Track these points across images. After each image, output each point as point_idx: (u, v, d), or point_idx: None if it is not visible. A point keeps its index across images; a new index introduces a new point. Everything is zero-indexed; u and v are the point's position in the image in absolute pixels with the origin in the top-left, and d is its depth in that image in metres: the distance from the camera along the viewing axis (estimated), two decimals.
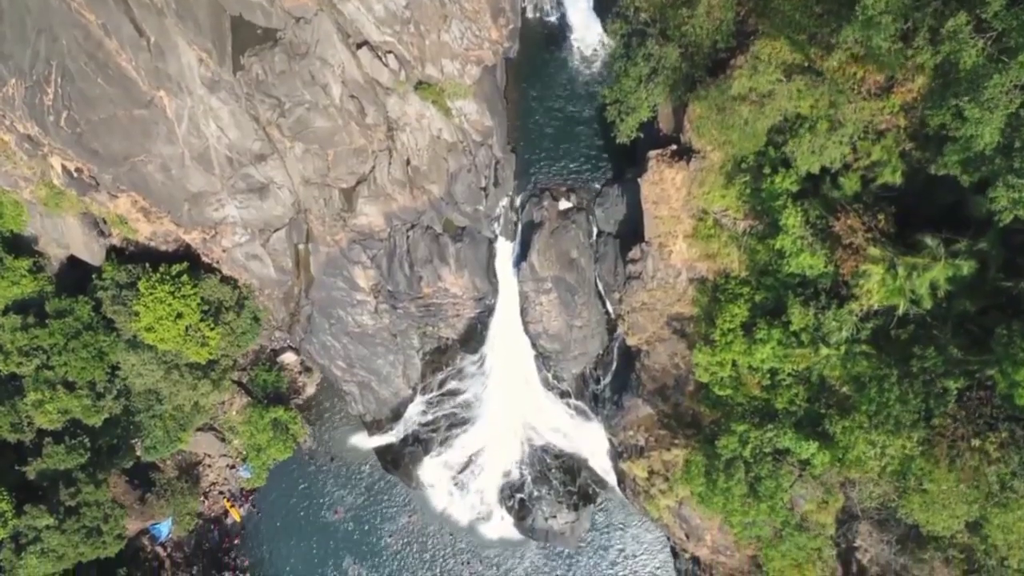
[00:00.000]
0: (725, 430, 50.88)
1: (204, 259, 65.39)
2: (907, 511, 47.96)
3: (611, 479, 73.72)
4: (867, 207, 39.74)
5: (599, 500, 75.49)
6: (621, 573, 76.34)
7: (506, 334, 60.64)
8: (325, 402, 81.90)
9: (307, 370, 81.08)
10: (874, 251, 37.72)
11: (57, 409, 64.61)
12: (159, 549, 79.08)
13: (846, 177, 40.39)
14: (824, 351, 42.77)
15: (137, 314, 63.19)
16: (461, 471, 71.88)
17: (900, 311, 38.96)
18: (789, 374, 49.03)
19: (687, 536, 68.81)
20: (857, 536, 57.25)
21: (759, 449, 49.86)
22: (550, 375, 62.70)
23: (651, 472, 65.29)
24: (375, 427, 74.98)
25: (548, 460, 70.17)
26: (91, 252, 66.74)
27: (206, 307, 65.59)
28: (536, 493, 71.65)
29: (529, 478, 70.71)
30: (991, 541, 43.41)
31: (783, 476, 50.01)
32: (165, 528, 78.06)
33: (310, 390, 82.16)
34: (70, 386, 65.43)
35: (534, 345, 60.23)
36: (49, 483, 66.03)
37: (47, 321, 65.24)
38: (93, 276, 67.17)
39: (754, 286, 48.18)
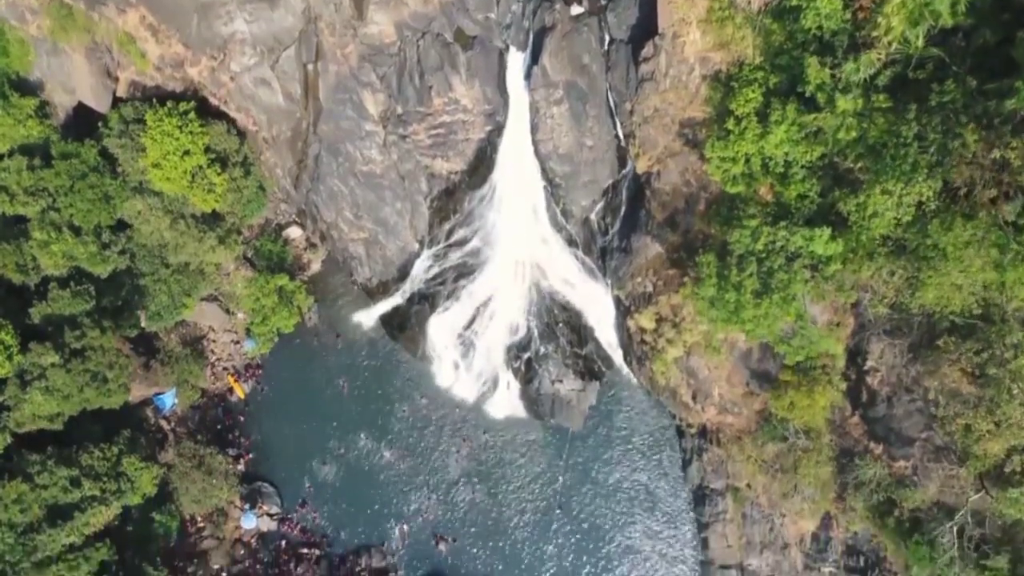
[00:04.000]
0: (737, 225, 50.65)
1: (212, 101, 65.19)
2: (921, 299, 47.83)
3: (617, 356, 73.63)
4: None
5: (604, 380, 75.45)
6: (625, 458, 76.04)
7: (515, 159, 60.15)
8: (330, 279, 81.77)
9: (312, 246, 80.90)
10: None
11: (63, 252, 64.35)
12: (163, 422, 78.47)
13: None
14: (841, 105, 42.42)
15: (144, 149, 63.01)
16: (468, 326, 71.46)
17: (920, 38, 38.75)
18: (803, 166, 48.94)
19: (694, 397, 68.52)
20: (868, 357, 57.11)
21: (771, 244, 49.70)
22: (559, 209, 62.35)
23: (659, 320, 65.06)
24: (381, 290, 74.72)
25: (556, 312, 69.85)
26: (97, 97, 66.59)
27: (213, 155, 65.59)
28: (543, 351, 71.34)
29: (536, 332, 70.39)
30: (1010, 303, 43.18)
31: (795, 272, 49.79)
32: (168, 400, 77.65)
33: (315, 267, 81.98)
34: (76, 231, 65.15)
35: (544, 170, 59.88)
36: (54, 328, 65.59)
37: (53, 163, 65.08)
38: (99, 124, 67.00)
39: (768, 71, 48.10)
